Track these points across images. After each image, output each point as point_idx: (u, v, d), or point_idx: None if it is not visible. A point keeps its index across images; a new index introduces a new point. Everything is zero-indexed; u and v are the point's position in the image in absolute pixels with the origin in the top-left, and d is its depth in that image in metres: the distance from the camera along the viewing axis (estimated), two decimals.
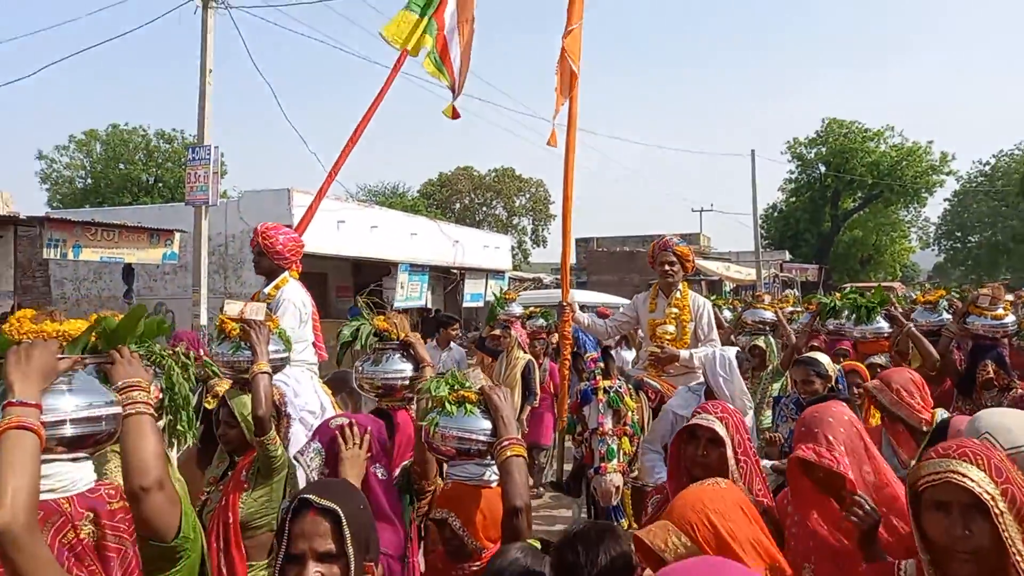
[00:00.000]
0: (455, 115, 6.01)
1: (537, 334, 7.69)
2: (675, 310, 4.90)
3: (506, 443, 2.20)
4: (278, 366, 3.26)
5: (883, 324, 5.36)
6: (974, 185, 47.17)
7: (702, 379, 4.23)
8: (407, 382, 3.17)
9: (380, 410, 3.21)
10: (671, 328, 4.86)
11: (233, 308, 3.22)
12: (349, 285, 18.99)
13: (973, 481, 1.54)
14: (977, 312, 4.96)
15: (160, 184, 35.42)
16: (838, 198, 43.17)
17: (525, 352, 7.08)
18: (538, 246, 48.46)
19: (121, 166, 35.44)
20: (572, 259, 31.34)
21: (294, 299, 4.31)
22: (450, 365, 7.09)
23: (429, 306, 19.94)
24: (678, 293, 4.96)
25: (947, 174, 42.07)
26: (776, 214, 46.69)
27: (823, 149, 42.60)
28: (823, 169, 42.61)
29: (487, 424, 2.30)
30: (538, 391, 6.98)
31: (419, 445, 2.63)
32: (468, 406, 2.31)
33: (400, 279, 16.08)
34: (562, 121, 5.30)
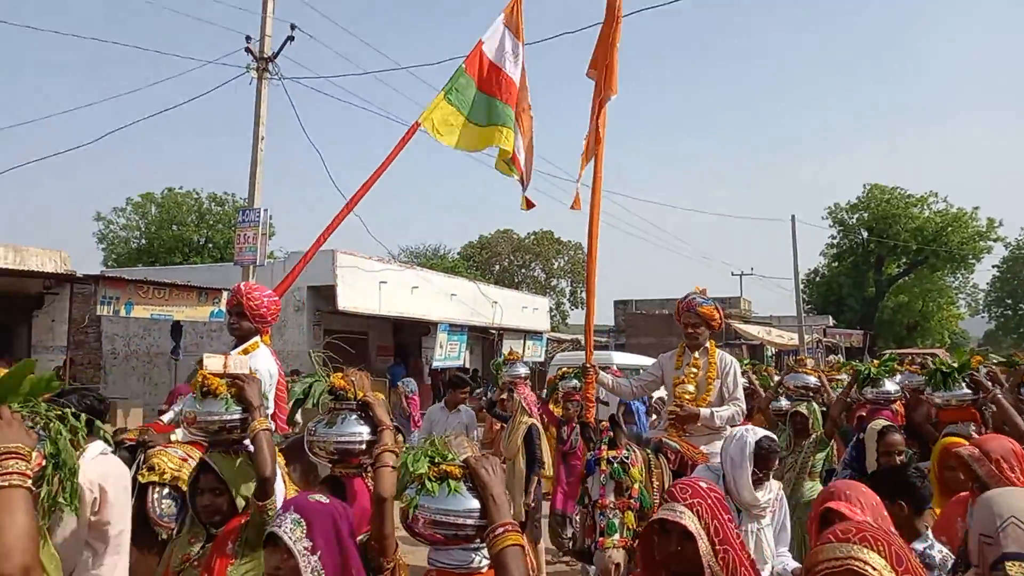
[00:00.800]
0: (530, 205, 6.27)
1: (570, 395, 7.48)
2: (694, 369, 4.81)
3: (500, 531, 1.90)
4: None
5: (967, 390, 4.95)
6: (1023, 252, 46.13)
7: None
8: (363, 447, 2.87)
9: (333, 477, 2.94)
10: (691, 387, 4.75)
11: (215, 363, 2.90)
12: (389, 344, 19.16)
13: (875, 570, 1.46)
14: None
15: (211, 245, 36.54)
16: (882, 263, 42.51)
17: (531, 416, 6.74)
18: (576, 307, 48.44)
19: (174, 227, 36.69)
20: (611, 321, 31.05)
21: (263, 367, 3.93)
22: (457, 429, 6.92)
23: (467, 365, 19.96)
24: (705, 351, 4.85)
25: (994, 240, 41.20)
26: (818, 279, 46.12)
27: (865, 215, 42.21)
28: (865, 234, 42.13)
29: (475, 504, 2.00)
30: (544, 458, 6.64)
31: (377, 517, 2.41)
32: (452, 483, 2.02)
33: (439, 339, 16.16)
34: (587, 182, 5.25)
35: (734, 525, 2.19)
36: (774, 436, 3.68)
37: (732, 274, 40.89)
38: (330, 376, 3.05)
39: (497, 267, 46.89)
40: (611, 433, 3.62)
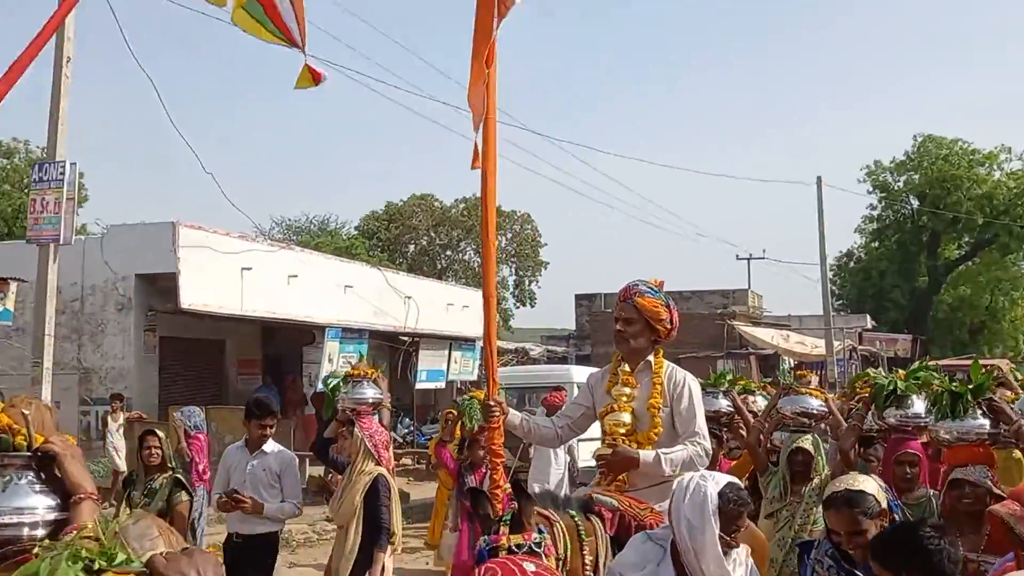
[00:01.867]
0: (316, 78, 5.24)
1: (479, 434, 7.27)
2: (627, 389, 4.52)
3: None
4: None
5: (984, 421, 4.77)
6: None
7: None
8: (36, 532, 2.43)
9: None
10: (625, 418, 4.46)
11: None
12: (256, 357, 18.93)
13: None
14: None
15: None
16: (937, 244, 43.96)
17: (378, 463, 6.29)
18: (523, 304, 48.68)
19: None
20: (571, 323, 31.35)
21: None
22: (263, 479, 6.58)
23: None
24: (647, 367, 4.59)
25: None
26: (852, 264, 47.40)
27: (915, 177, 43.54)
28: (916, 204, 43.44)
29: None
30: (395, 526, 6.29)
31: None
32: None
33: (328, 349, 16.04)
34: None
35: None
36: (739, 482, 3.62)
37: (737, 258, 41.75)
38: None
39: (412, 247, 46.74)
40: (514, 505, 3.45)
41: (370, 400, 6.57)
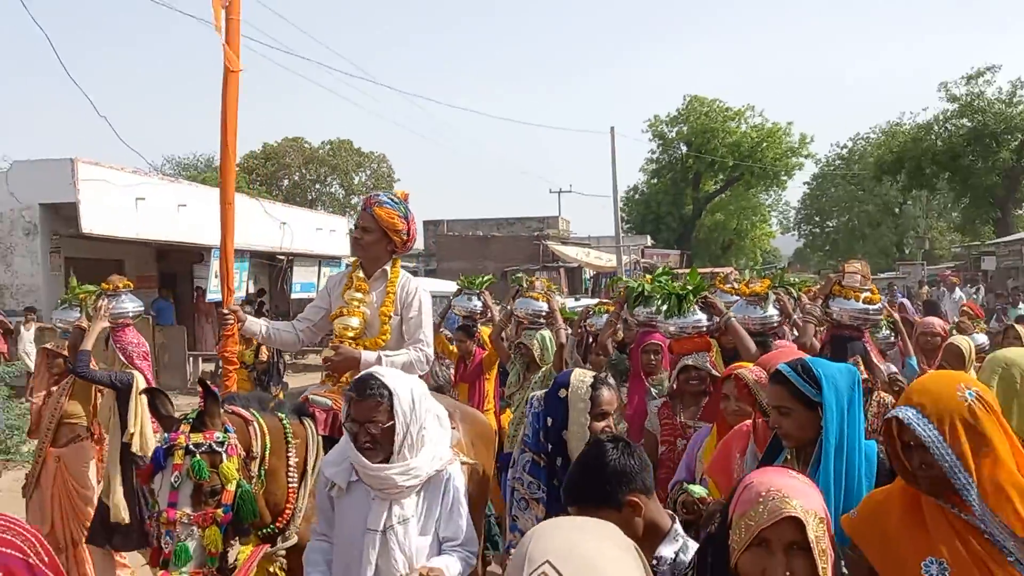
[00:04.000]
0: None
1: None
2: (359, 295, 3.94)
3: None
4: None
5: (701, 316, 4.70)
6: (832, 169, 51.61)
7: None
8: None
9: None
10: (354, 322, 3.89)
11: None
12: (152, 273, 17.92)
13: None
14: (844, 295, 4.45)
15: None
16: (699, 180, 45.73)
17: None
18: None
19: None
20: (420, 243, 31.00)
21: None
22: None
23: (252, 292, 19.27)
24: (384, 275, 3.99)
25: (806, 157, 45.64)
26: (637, 196, 48.83)
27: (684, 128, 44.95)
28: (684, 149, 44.95)
29: None
30: (131, 427, 5.00)
31: None
32: None
33: (214, 267, 15.35)
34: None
35: None
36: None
37: (550, 191, 42.28)
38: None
39: (286, 182, 45.09)
40: (203, 403, 2.81)
41: (130, 314, 5.59)
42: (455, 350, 6.96)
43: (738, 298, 5.38)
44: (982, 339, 6.24)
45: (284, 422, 3.20)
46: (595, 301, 8.85)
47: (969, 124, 33.56)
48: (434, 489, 2.84)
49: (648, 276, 5.18)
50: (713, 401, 4.01)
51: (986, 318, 10.29)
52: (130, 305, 5.61)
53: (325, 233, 21.94)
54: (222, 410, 2.88)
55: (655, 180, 47.45)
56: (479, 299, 7.20)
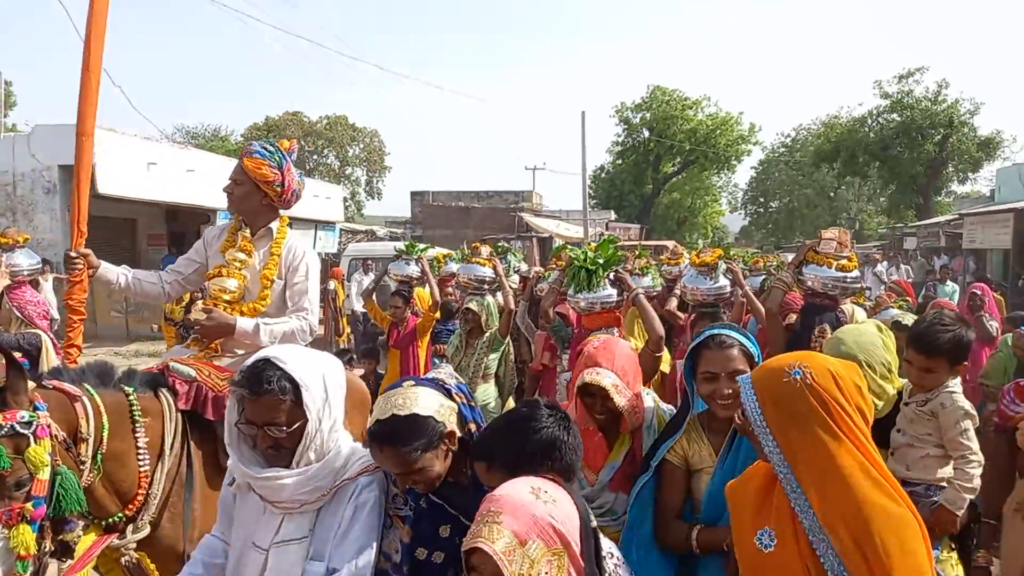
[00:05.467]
0: None
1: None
2: (244, 257, 3.21)
3: None
4: None
5: (611, 291, 4.09)
6: (776, 155, 51.93)
7: None
8: None
9: None
10: (232, 284, 3.16)
11: None
12: (162, 232, 17.70)
13: None
14: (818, 261, 3.93)
15: None
16: (659, 162, 45.70)
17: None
18: (372, 198, 47.61)
19: None
20: (407, 212, 30.74)
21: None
22: None
23: None
24: (269, 233, 3.28)
25: (754, 144, 45.74)
26: (603, 175, 48.75)
27: (647, 115, 44.78)
28: (647, 134, 44.84)
29: None
30: None
31: None
32: None
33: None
34: None
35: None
36: None
37: (525, 168, 42.06)
38: None
39: None
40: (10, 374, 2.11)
41: (25, 271, 4.93)
42: (387, 316, 6.35)
43: (678, 269, 5.00)
44: (893, 312, 5.78)
45: (131, 397, 2.49)
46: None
47: (898, 119, 33.83)
48: (336, 504, 1.96)
49: (593, 244, 4.40)
50: None
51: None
52: (24, 261, 4.89)
53: (321, 200, 21.74)
54: (33, 384, 2.17)
55: (620, 161, 47.32)
56: (416, 264, 6.58)
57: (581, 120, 28.95)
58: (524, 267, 6.95)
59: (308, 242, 20.12)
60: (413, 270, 6.58)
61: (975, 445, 2.68)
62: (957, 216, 24.05)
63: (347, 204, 36.70)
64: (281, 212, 3.35)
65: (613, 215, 41.30)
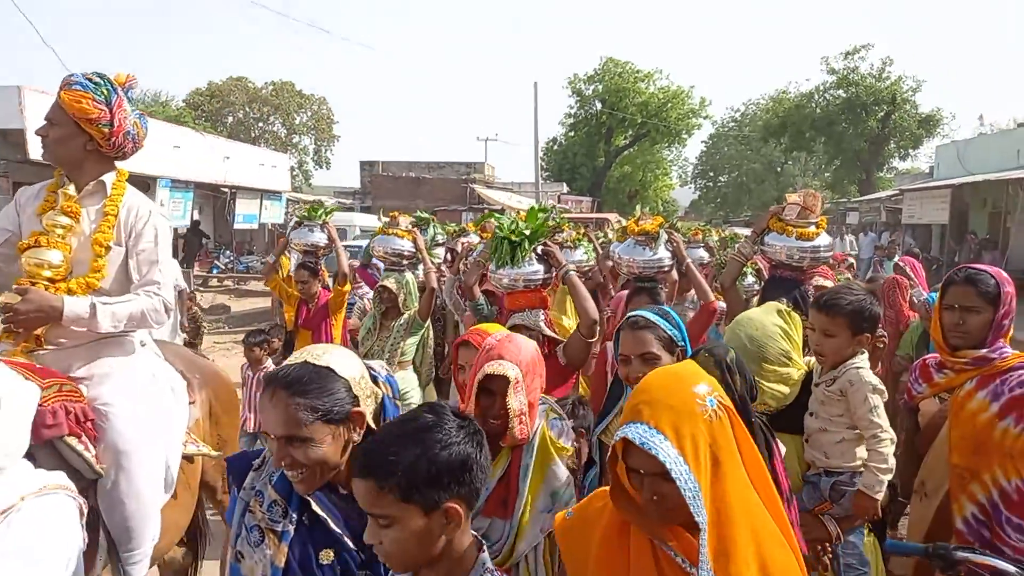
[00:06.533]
0: None
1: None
2: (64, 219, 2.51)
3: None
4: None
5: (538, 267, 3.50)
6: (726, 130, 52.58)
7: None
8: None
9: None
10: (55, 256, 2.47)
11: None
12: None
13: None
14: (780, 229, 3.58)
15: None
16: (611, 135, 45.82)
17: None
18: (320, 167, 46.68)
19: None
20: (356, 182, 30.30)
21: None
22: None
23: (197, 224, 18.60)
24: (101, 188, 2.62)
25: (704, 118, 46.19)
26: (556, 147, 48.70)
27: (600, 87, 44.78)
28: (599, 106, 44.87)
29: None
30: None
31: None
32: None
33: (160, 196, 14.66)
34: None
35: None
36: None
37: (477, 139, 41.77)
38: None
39: (231, 119, 43.10)
40: None
41: None
42: (295, 292, 5.58)
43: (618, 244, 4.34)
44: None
45: None
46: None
47: (844, 95, 34.57)
48: None
49: (523, 213, 3.85)
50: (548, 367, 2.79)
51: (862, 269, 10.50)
52: None
53: (267, 168, 21.20)
54: None
55: (572, 133, 47.30)
56: (322, 231, 5.57)
57: (534, 91, 28.80)
58: (474, 239, 6.44)
59: (256, 209, 19.68)
60: (319, 238, 5.54)
61: (885, 422, 2.57)
62: (897, 192, 24.78)
63: (295, 174, 35.92)
64: (119, 165, 2.70)
65: (565, 188, 41.37)
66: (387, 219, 5.59)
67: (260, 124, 44.14)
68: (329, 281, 5.94)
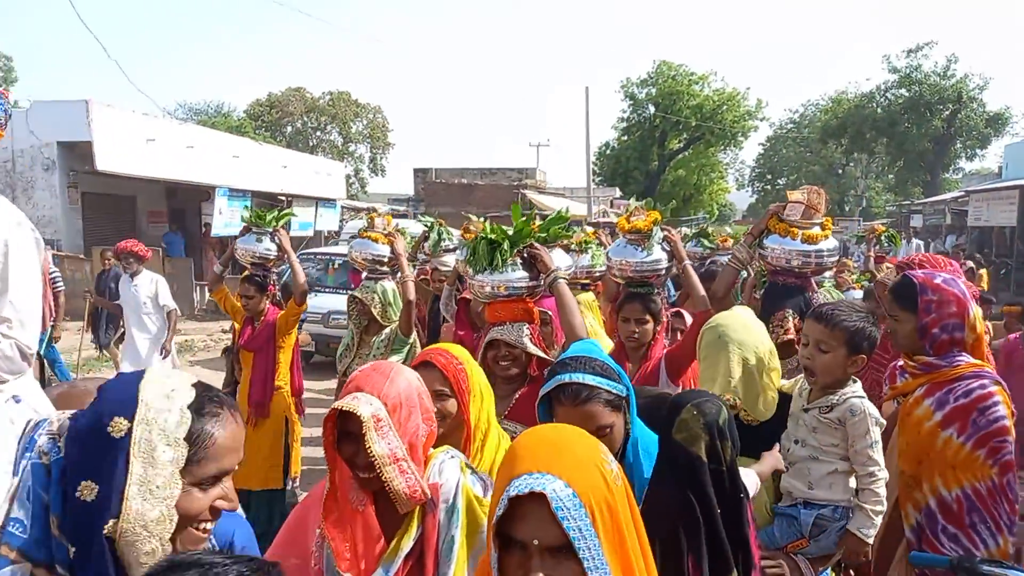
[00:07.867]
0: None
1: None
2: None
3: None
4: None
5: (523, 273, 3.01)
6: (784, 132, 51.52)
7: None
8: None
9: None
10: None
11: None
12: (162, 209, 17.73)
13: None
14: (782, 231, 3.21)
15: None
16: (665, 138, 45.44)
17: None
18: (376, 175, 47.53)
19: None
20: (411, 189, 30.70)
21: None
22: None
23: None
24: None
25: (761, 120, 45.40)
26: (608, 151, 48.52)
27: (653, 90, 44.46)
28: (652, 110, 44.54)
29: None
30: None
31: None
32: None
33: (219, 204, 15.17)
34: None
35: None
36: None
37: (529, 145, 41.92)
38: None
39: (289, 129, 44.26)
40: None
41: None
42: (240, 307, 4.97)
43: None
44: (855, 295, 5.25)
45: None
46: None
47: (907, 94, 33.57)
48: None
49: (536, 224, 3.37)
50: (532, 393, 2.51)
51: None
52: None
53: (323, 176, 21.75)
54: None
55: (625, 137, 47.08)
56: (272, 240, 4.85)
57: (585, 96, 28.74)
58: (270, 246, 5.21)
59: (311, 217, 20.18)
60: (268, 249, 4.82)
61: (882, 459, 2.36)
62: (963, 193, 23.90)
63: (351, 181, 36.63)
64: None
65: (618, 192, 41.15)
66: (364, 220, 4.95)
67: (318, 133, 45.20)
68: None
